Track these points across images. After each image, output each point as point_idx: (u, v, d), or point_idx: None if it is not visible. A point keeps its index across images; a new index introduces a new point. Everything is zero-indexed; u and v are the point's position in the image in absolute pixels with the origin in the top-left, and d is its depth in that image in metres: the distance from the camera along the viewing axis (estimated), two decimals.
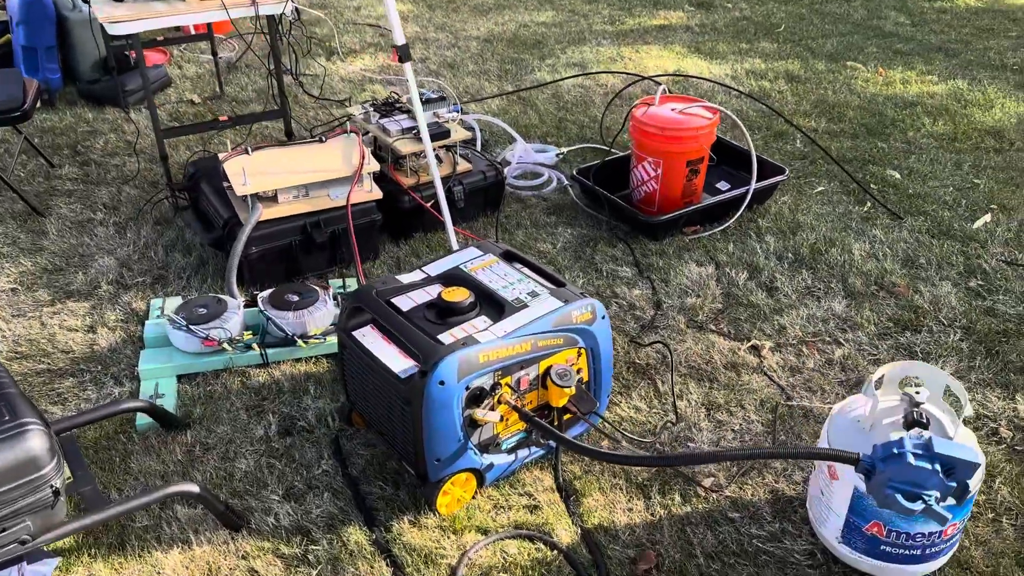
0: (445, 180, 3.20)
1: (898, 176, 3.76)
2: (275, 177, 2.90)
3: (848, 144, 4.07)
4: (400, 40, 2.78)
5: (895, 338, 2.73)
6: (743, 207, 3.34)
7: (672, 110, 3.28)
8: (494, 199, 3.45)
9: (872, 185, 3.68)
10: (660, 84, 3.56)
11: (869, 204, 3.53)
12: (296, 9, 3.30)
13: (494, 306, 2.13)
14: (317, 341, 2.59)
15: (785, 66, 5.09)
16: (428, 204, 3.18)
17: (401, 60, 2.81)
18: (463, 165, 3.35)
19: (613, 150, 3.67)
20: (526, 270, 2.30)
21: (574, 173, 3.51)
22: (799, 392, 2.52)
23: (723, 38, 5.65)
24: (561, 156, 3.94)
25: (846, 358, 2.64)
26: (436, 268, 2.30)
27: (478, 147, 3.86)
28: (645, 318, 2.85)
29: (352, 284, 2.96)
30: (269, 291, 2.69)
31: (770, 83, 4.83)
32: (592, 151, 4.02)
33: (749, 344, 2.71)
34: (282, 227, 2.92)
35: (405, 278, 2.25)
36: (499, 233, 3.32)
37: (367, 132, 3.36)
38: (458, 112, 3.35)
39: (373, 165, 3.01)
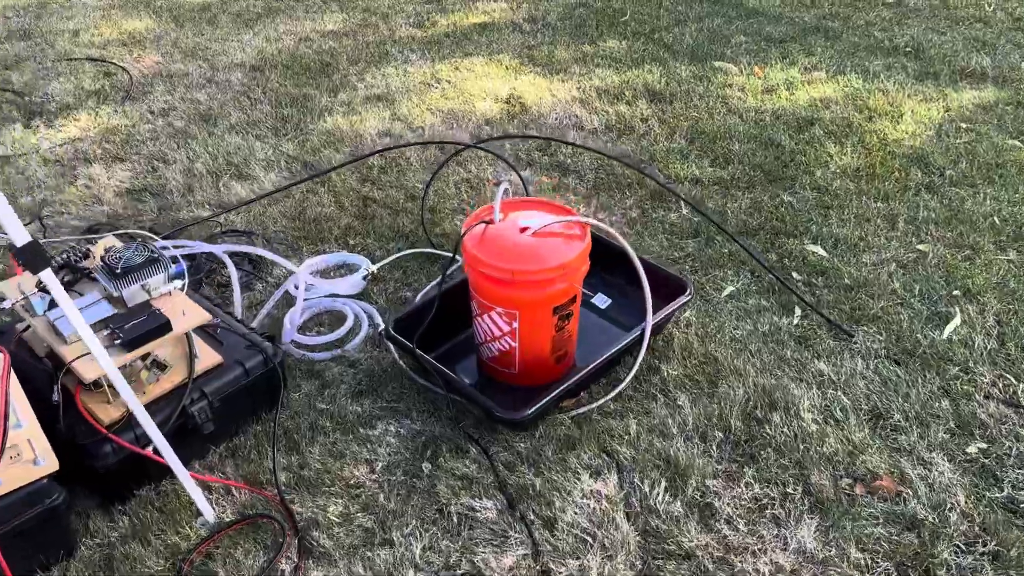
0: (170, 398, 1.94)
1: (822, 252, 2.82)
2: None
3: (746, 202, 3.08)
4: (22, 238, 1.47)
5: None
6: (637, 363, 2.28)
7: (522, 230, 2.14)
8: (268, 396, 2.21)
9: (794, 274, 2.72)
10: (501, 184, 2.40)
11: (800, 314, 2.56)
12: None
13: None
14: None
15: (642, 77, 4.03)
16: (149, 449, 1.92)
17: (32, 269, 1.51)
18: (207, 358, 2.08)
19: (457, 257, 2.41)
20: None
21: (391, 329, 2.31)
22: None
23: (559, 37, 4.52)
24: (370, 277, 2.72)
25: None
26: None
27: (237, 308, 2.53)
28: None
29: None
30: None
31: (628, 106, 3.76)
32: (418, 259, 2.82)
33: None
34: None
35: None
36: (276, 459, 2.11)
37: (28, 327, 2.02)
38: (181, 273, 2.07)
39: (28, 428, 1.71)
